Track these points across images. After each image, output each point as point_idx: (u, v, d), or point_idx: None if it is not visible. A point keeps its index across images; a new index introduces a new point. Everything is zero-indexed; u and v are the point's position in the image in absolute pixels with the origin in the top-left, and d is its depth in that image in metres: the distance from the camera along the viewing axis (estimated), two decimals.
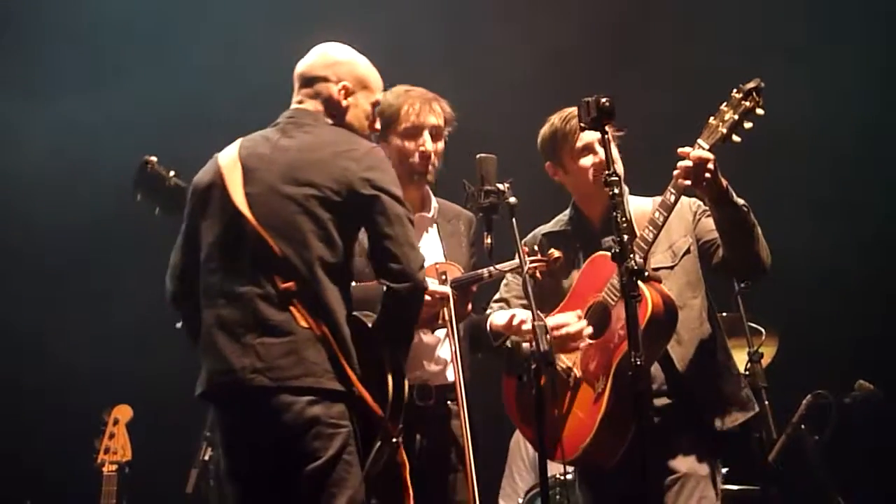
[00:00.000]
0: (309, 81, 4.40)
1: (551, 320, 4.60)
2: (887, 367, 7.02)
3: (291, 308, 4.02)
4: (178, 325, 4.43)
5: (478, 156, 4.54)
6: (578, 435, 4.63)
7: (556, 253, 4.73)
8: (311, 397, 3.97)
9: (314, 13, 7.44)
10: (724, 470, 5.03)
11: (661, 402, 4.66)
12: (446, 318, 4.57)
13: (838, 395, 6.53)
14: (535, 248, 4.64)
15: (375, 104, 4.46)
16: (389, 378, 4.15)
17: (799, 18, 7.57)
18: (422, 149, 4.90)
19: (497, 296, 5.11)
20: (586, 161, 4.86)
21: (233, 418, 4.12)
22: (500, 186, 4.44)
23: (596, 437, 4.59)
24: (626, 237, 3.98)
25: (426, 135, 4.91)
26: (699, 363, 4.72)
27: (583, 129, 4.52)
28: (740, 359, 5.77)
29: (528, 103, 7.12)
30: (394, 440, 4.16)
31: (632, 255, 3.95)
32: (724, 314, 5.89)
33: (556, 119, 4.94)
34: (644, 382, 3.97)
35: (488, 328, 4.85)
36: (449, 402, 4.86)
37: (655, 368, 4.65)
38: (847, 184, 7.48)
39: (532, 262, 4.59)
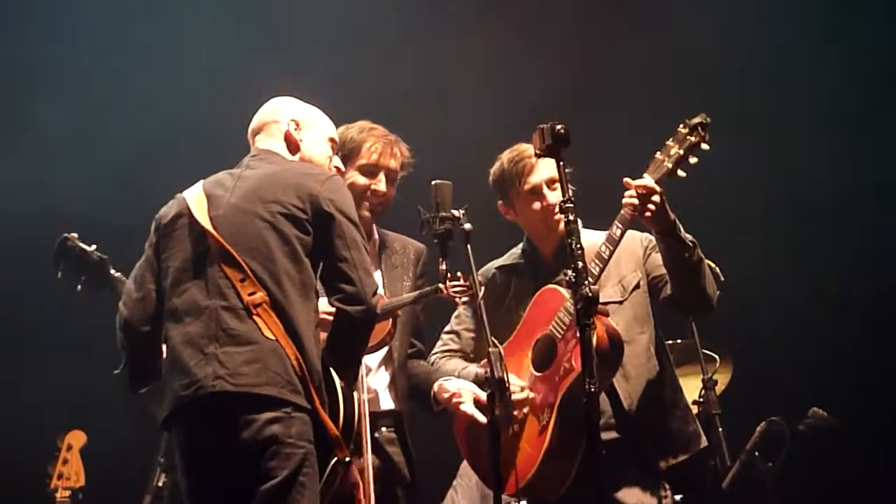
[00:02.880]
0: (260, 129, 4.51)
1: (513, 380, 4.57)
2: (841, 394, 7.06)
3: (256, 318, 4.03)
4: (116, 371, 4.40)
5: (433, 182, 4.57)
6: (524, 467, 4.63)
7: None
8: (271, 415, 3.95)
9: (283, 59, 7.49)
10: (677, 497, 5.04)
11: (608, 435, 4.64)
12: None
13: (792, 422, 6.58)
14: (458, 275, 4.59)
15: (332, 141, 4.55)
16: (341, 398, 4.16)
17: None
18: (374, 188, 4.99)
19: (448, 328, 5.14)
20: (536, 206, 4.88)
21: (194, 430, 4.07)
22: (456, 213, 4.47)
23: (540, 469, 4.60)
24: (580, 264, 3.99)
25: (382, 176, 4.98)
26: (645, 399, 4.74)
27: (538, 157, 4.54)
28: (694, 386, 5.80)
29: (487, 129, 7.19)
30: (346, 459, 4.15)
31: (586, 283, 3.95)
32: (679, 341, 5.94)
33: (505, 159, 4.97)
34: (595, 411, 3.96)
35: (432, 393, 4.88)
36: (384, 429, 4.88)
37: (603, 402, 4.65)
38: (800, 212, 7.53)
39: (455, 286, 4.61)
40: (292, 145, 4.45)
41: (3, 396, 7.24)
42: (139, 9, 7.63)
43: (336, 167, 4.55)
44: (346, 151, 4.97)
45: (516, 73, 7.64)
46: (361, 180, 4.97)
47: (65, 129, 7.41)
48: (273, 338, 4.01)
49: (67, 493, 6.08)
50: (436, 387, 4.88)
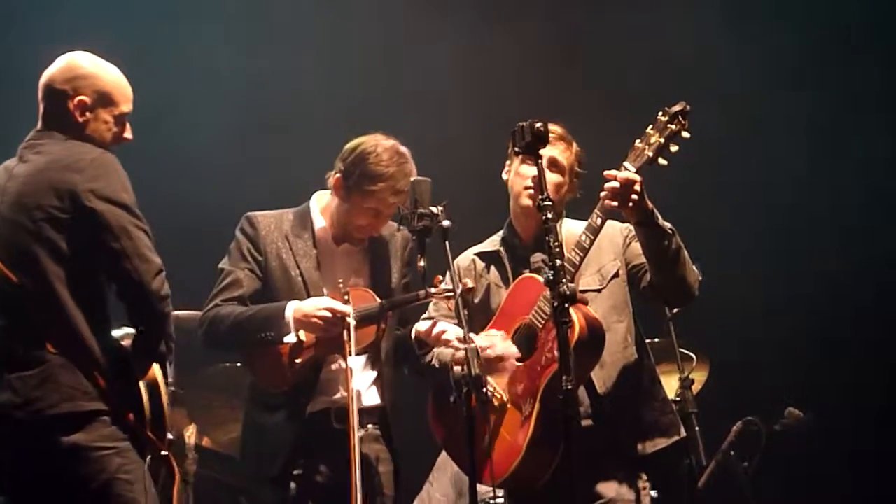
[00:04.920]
0: (48, 94, 4.23)
1: (478, 339, 4.60)
2: (817, 394, 7.08)
3: (40, 336, 3.96)
4: None
5: (412, 178, 4.57)
6: (506, 458, 4.63)
7: (468, 283, 4.75)
8: (69, 424, 3.92)
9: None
10: (653, 494, 5.05)
11: (585, 423, 4.66)
12: (348, 343, 4.66)
13: (768, 421, 6.61)
14: (440, 278, 4.62)
15: (121, 116, 4.25)
16: (143, 391, 4.07)
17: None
18: (373, 224, 4.92)
19: (426, 314, 5.11)
20: (527, 170, 4.82)
21: (3, 456, 4.05)
22: (434, 209, 4.44)
23: (524, 460, 4.60)
24: (558, 262, 3.99)
25: (382, 216, 4.91)
26: (621, 387, 4.74)
27: (517, 154, 4.55)
28: (671, 384, 5.81)
29: (466, 126, 7.20)
30: (163, 453, 4.09)
31: (564, 280, 3.96)
32: (656, 340, 5.94)
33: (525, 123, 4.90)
34: (573, 406, 3.98)
35: (413, 336, 4.89)
36: (369, 426, 4.88)
37: (580, 391, 4.66)
38: (779, 213, 7.55)
39: (441, 292, 4.65)
40: (73, 127, 4.18)
41: None
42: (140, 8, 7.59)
43: (123, 139, 4.28)
44: (370, 175, 4.82)
45: (496, 73, 7.64)
46: (363, 221, 4.90)
47: None
48: (57, 352, 3.95)
49: None
50: (416, 328, 4.88)
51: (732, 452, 6.46)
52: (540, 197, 4.11)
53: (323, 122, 5.14)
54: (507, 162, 4.98)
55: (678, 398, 5.86)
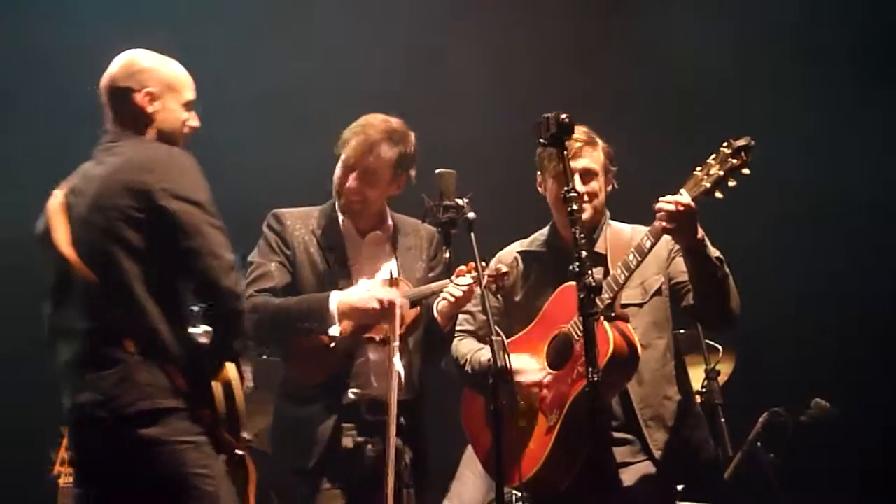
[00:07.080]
0: (113, 95, 4.29)
1: (515, 360, 4.53)
2: (843, 385, 7.06)
3: (120, 336, 4.01)
4: None
5: (437, 171, 4.56)
6: (528, 463, 4.64)
7: (502, 268, 4.76)
8: (147, 421, 3.97)
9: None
10: (679, 487, 5.05)
11: (618, 435, 4.68)
12: (392, 331, 4.65)
13: (794, 412, 6.58)
14: (484, 264, 4.59)
15: (187, 103, 4.32)
16: (219, 390, 4.09)
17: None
18: (347, 185, 4.97)
19: (467, 307, 5.09)
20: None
21: (84, 454, 4.15)
22: (459, 202, 4.44)
23: (543, 468, 4.63)
24: (584, 253, 3.98)
25: (355, 175, 4.96)
26: (657, 405, 4.74)
27: (543, 146, 4.54)
28: (697, 376, 5.81)
29: (491, 118, 7.20)
30: (237, 452, 4.13)
31: (590, 272, 3.95)
32: (682, 331, 5.92)
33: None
34: (600, 400, 3.98)
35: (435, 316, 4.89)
36: (400, 418, 4.88)
37: (615, 405, 4.68)
38: (807, 206, 7.53)
39: (461, 283, 4.68)
40: (144, 120, 4.25)
41: (3, 378, 7.24)
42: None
43: (191, 126, 4.36)
44: (342, 141, 5.00)
45: (524, 72, 7.64)
46: (338, 173, 5.00)
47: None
48: (136, 351, 4.00)
49: (70, 479, 6.06)
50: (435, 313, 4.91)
51: (759, 443, 6.45)
52: (565, 189, 4.11)
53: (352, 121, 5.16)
54: (539, 174, 4.97)
55: (704, 389, 5.87)
